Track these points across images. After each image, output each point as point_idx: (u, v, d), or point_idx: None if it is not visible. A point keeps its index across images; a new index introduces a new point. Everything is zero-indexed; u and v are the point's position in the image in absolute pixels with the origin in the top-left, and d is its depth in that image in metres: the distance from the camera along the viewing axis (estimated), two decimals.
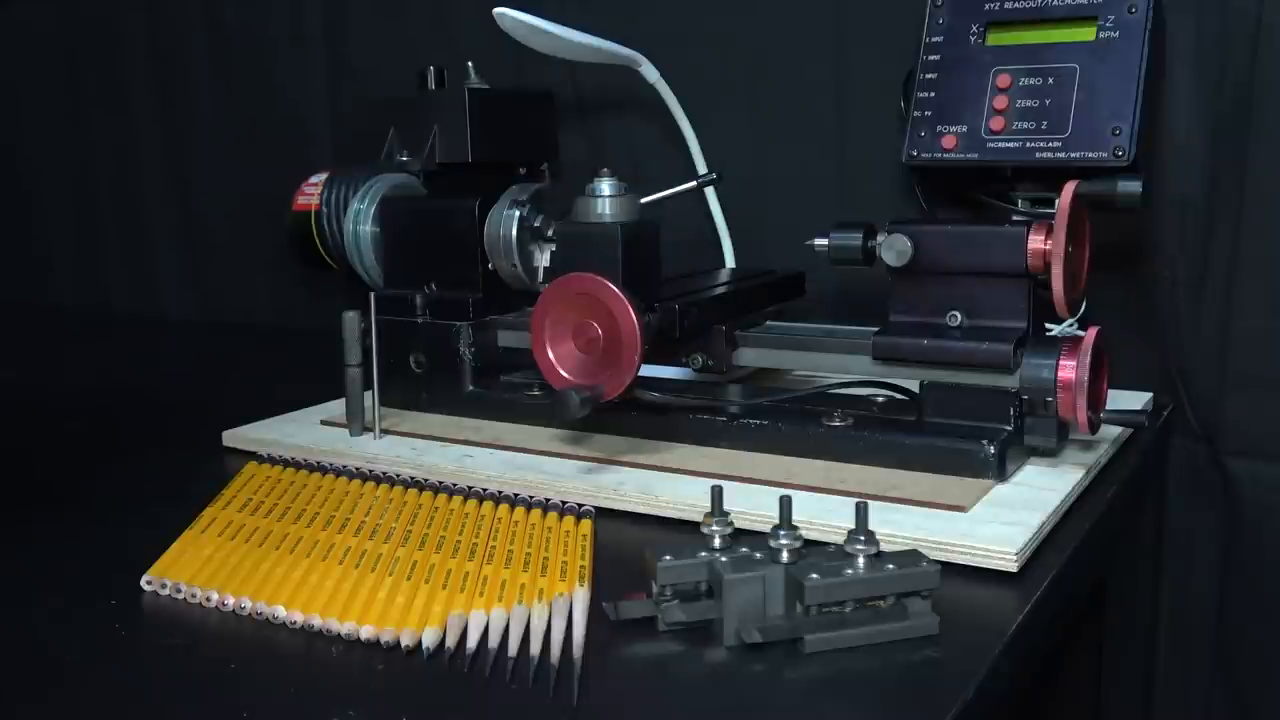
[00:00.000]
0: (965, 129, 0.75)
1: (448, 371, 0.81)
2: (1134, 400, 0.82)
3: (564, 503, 0.66)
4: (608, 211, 0.71)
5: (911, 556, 0.51)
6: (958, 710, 0.44)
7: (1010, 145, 0.73)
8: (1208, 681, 0.88)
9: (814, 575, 0.48)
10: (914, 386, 0.69)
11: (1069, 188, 0.66)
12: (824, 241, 0.71)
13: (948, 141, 0.75)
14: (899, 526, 0.58)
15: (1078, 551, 0.60)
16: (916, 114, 0.77)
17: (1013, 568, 0.55)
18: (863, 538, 0.50)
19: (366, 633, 0.50)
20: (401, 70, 0.89)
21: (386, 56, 1.15)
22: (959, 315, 0.68)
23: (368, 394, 0.79)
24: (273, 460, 0.76)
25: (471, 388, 0.81)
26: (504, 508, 0.65)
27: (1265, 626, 0.84)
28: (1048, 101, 0.73)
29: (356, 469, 0.73)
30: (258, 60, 1.26)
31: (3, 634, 0.53)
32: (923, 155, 0.76)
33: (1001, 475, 0.64)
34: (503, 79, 0.86)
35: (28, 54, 1.44)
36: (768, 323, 0.80)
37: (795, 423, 0.70)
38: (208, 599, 0.55)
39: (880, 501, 0.61)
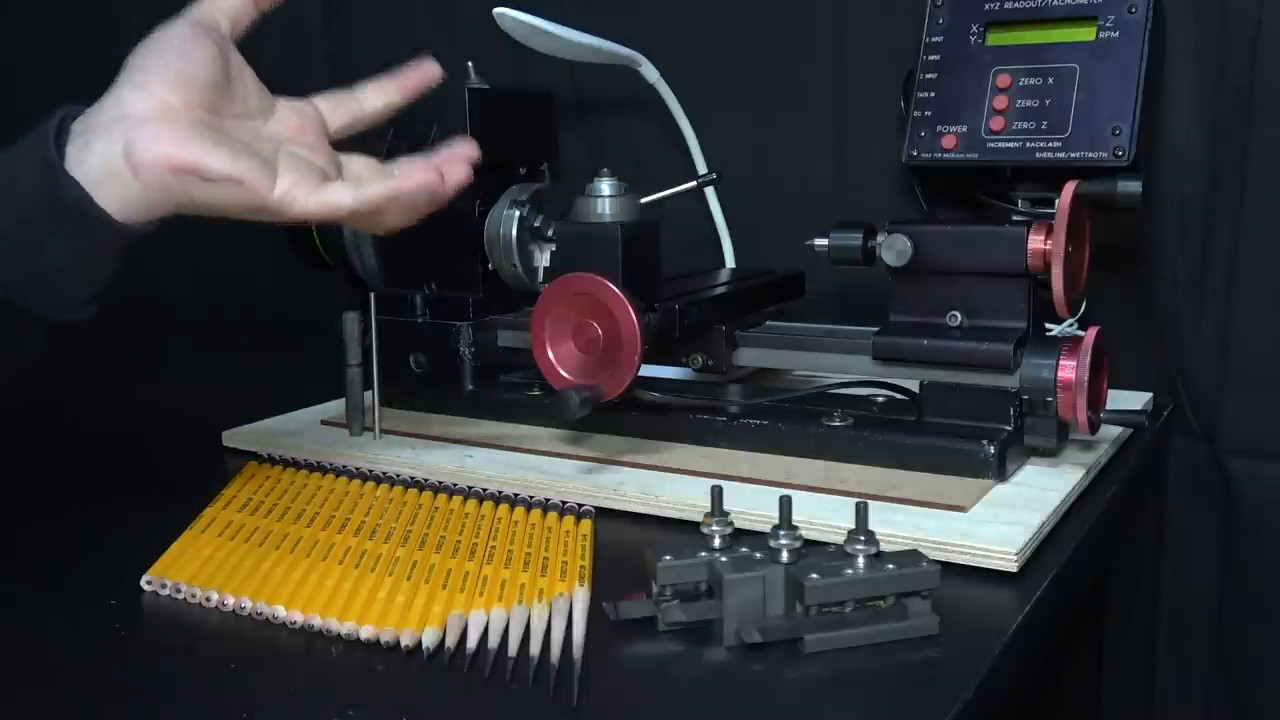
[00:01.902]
0: (965, 129, 0.75)
1: (448, 371, 0.81)
2: (1134, 400, 0.82)
3: (564, 503, 0.66)
4: (608, 211, 0.71)
5: (911, 556, 0.50)
6: (958, 710, 0.44)
7: (1010, 145, 0.73)
8: (1208, 681, 0.88)
9: (814, 575, 0.48)
10: (914, 386, 0.69)
11: (1069, 188, 0.66)
12: (824, 241, 0.71)
13: (948, 141, 0.75)
14: (899, 526, 0.58)
15: (1078, 551, 0.60)
16: (916, 114, 0.77)
17: (1013, 568, 0.55)
18: (863, 538, 0.50)
19: (366, 633, 0.50)
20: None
21: (386, 56, 1.15)
22: (959, 315, 0.68)
23: (368, 394, 0.79)
24: (273, 460, 0.76)
25: (471, 388, 0.81)
26: (504, 508, 0.65)
27: (1265, 626, 0.84)
28: (1048, 101, 0.73)
29: (356, 469, 0.73)
30: (257, 60, 1.26)
31: (3, 634, 0.53)
32: (923, 155, 0.76)
33: (1001, 475, 0.64)
34: (503, 79, 0.86)
35: (26, 54, 1.44)
36: (768, 323, 0.80)
37: (795, 423, 0.70)
38: (208, 599, 0.55)
39: (880, 501, 0.61)
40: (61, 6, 1.39)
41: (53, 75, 1.43)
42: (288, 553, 0.60)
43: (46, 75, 1.43)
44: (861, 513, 0.50)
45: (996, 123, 0.74)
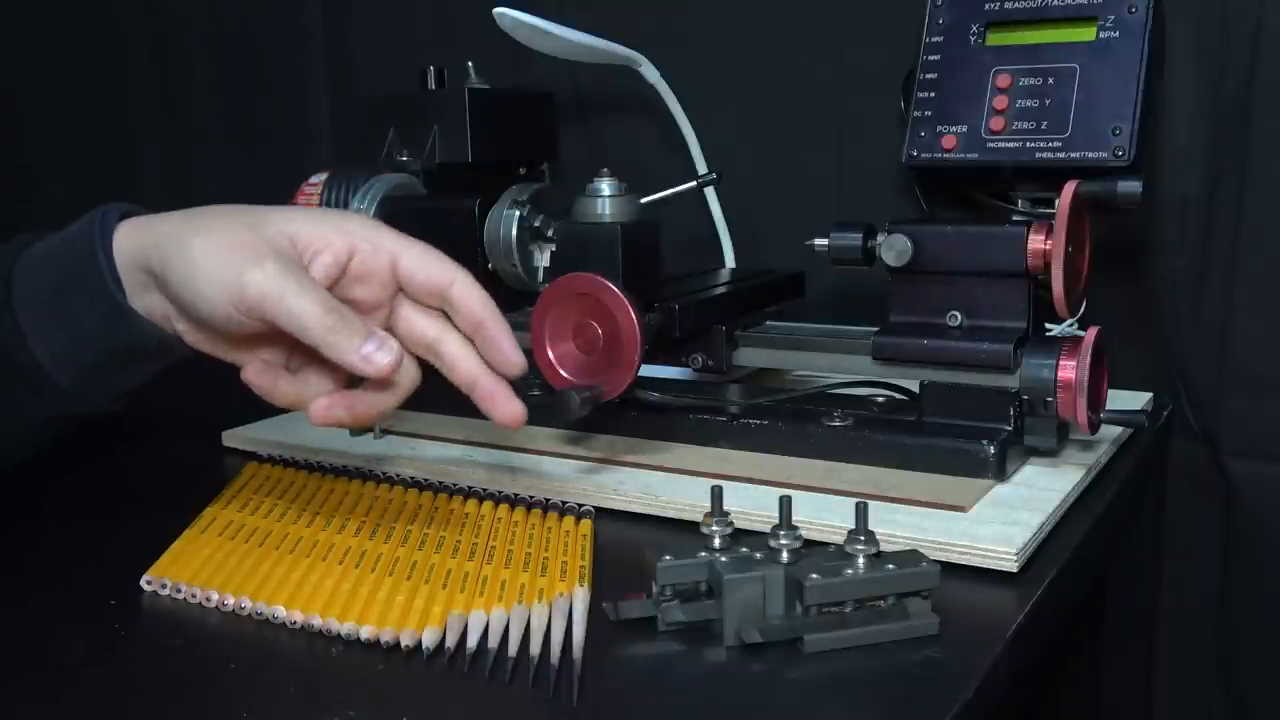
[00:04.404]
0: (965, 129, 0.75)
1: None
2: (1134, 400, 0.82)
3: (564, 503, 0.66)
4: (608, 211, 0.71)
5: (911, 556, 0.50)
6: (958, 710, 0.44)
7: (1010, 145, 0.73)
8: (1208, 681, 0.88)
9: (814, 575, 0.48)
10: (914, 386, 0.69)
11: (1069, 188, 0.66)
12: (824, 241, 0.71)
13: (948, 141, 0.75)
14: (899, 526, 0.58)
15: (1078, 551, 0.60)
16: (916, 114, 0.77)
17: (1013, 568, 0.55)
18: (863, 538, 0.50)
19: (366, 633, 0.50)
20: (402, 69, 0.89)
21: (387, 56, 1.15)
22: (959, 315, 0.68)
23: None
24: (273, 460, 0.76)
25: None
26: (504, 508, 0.65)
27: (1265, 626, 0.84)
28: (1048, 101, 0.73)
29: (356, 469, 0.73)
30: (257, 60, 1.26)
31: (3, 634, 0.53)
32: (923, 155, 0.76)
33: (1001, 475, 0.64)
34: (503, 79, 0.86)
35: (26, 54, 1.44)
36: (768, 323, 0.80)
37: (795, 423, 0.70)
38: (208, 599, 0.55)
39: (880, 501, 0.61)
40: (61, 7, 1.39)
41: (52, 76, 1.43)
42: (288, 553, 0.60)
43: (45, 76, 1.43)
44: (861, 513, 0.50)
45: (996, 123, 0.74)
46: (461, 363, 0.58)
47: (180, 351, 0.58)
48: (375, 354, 0.53)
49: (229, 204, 0.56)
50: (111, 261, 0.55)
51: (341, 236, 0.56)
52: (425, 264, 0.58)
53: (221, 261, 0.52)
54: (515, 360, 0.58)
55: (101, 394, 0.59)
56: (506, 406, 0.58)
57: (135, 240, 0.55)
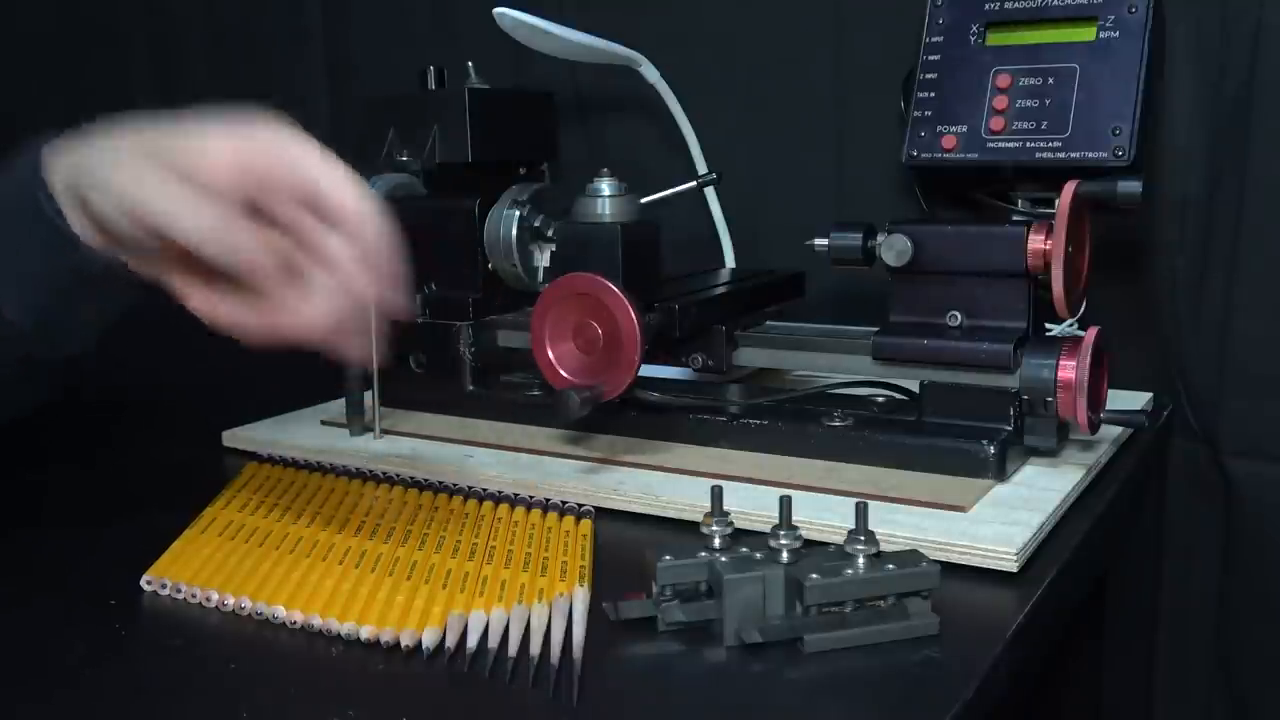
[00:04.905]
0: (965, 129, 0.75)
1: (448, 371, 0.81)
2: (1134, 400, 0.82)
3: (564, 503, 0.66)
4: (608, 211, 0.71)
5: (911, 556, 0.51)
6: (958, 710, 0.44)
7: (1010, 145, 0.73)
8: (1208, 681, 0.88)
9: (814, 575, 0.48)
10: (914, 386, 0.69)
11: (1069, 188, 0.66)
12: (824, 241, 0.71)
13: (948, 141, 0.75)
14: (899, 526, 0.58)
15: (1078, 551, 0.60)
16: (916, 114, 0.77)
17: (1013, 568, 0.55)
18: (863, 538, 0.50)
19: (366, 633, 0.50)
20: (402, 70, 0.89)
21: (387, 56, 1.15)
22: (959, 315, 0.68)
23: (368, 394, 0.79)
24: (273, 460, 0.76)
25: (471, 388, 0.81)
26: (504, 508, 0.65)
27: (1265, 626, 0.84)
28: (1048, 101, 0.73)
29: (356, 469, 0.73)
30: (257, 60, 1.26)
31: (2, 634, 0.53)
32: (923, 155, 0.76)
33: (1001, 475, 0.64)
34: (503, 79, 0.86)
35: (26, 54, 1.44)
36: (768, 323, 0.80)
37: (795, 423, 0.70)
38: (208, 599, 0.55)
39: (880, 501, 0.61)
40: (61, 7, 1.39)
41: (52, 76, 1.43)
42: (288, 553, 0.60)
43: (45, 76, 1.43)
44: (861, 513, 0.50)
45: (996, 123, 0.74)
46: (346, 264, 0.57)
47: (130, 279, 0.57)
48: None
49: (142, 123, 0.55)
50: (48, 189, 0.54)
51: (248, 148, 0.55)
52: (329, 178, 0.58)
53: (123, 182, 0.52)
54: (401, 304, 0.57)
55: (64, 333, 0.58)
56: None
57: (65, 169, 0.55)
